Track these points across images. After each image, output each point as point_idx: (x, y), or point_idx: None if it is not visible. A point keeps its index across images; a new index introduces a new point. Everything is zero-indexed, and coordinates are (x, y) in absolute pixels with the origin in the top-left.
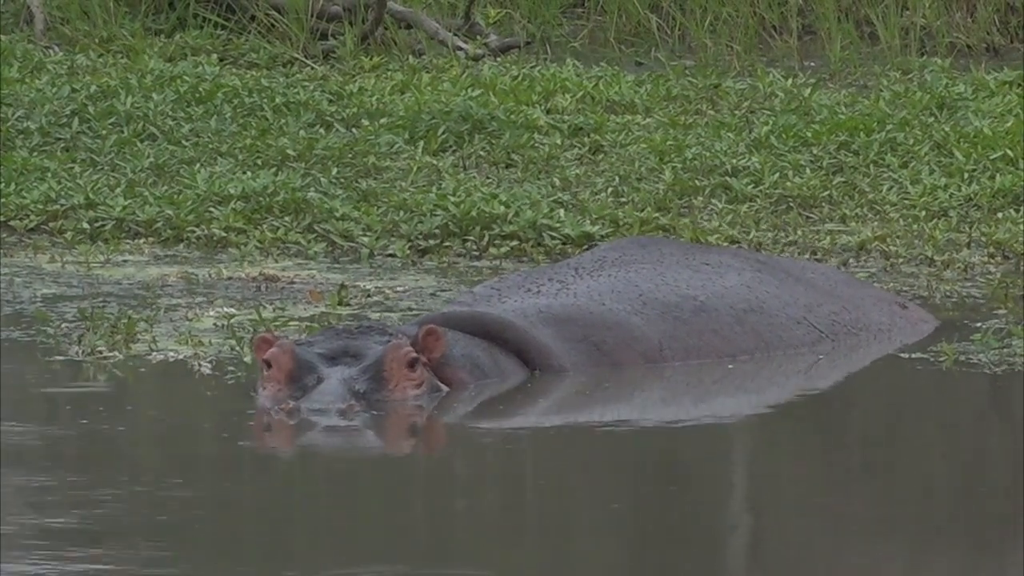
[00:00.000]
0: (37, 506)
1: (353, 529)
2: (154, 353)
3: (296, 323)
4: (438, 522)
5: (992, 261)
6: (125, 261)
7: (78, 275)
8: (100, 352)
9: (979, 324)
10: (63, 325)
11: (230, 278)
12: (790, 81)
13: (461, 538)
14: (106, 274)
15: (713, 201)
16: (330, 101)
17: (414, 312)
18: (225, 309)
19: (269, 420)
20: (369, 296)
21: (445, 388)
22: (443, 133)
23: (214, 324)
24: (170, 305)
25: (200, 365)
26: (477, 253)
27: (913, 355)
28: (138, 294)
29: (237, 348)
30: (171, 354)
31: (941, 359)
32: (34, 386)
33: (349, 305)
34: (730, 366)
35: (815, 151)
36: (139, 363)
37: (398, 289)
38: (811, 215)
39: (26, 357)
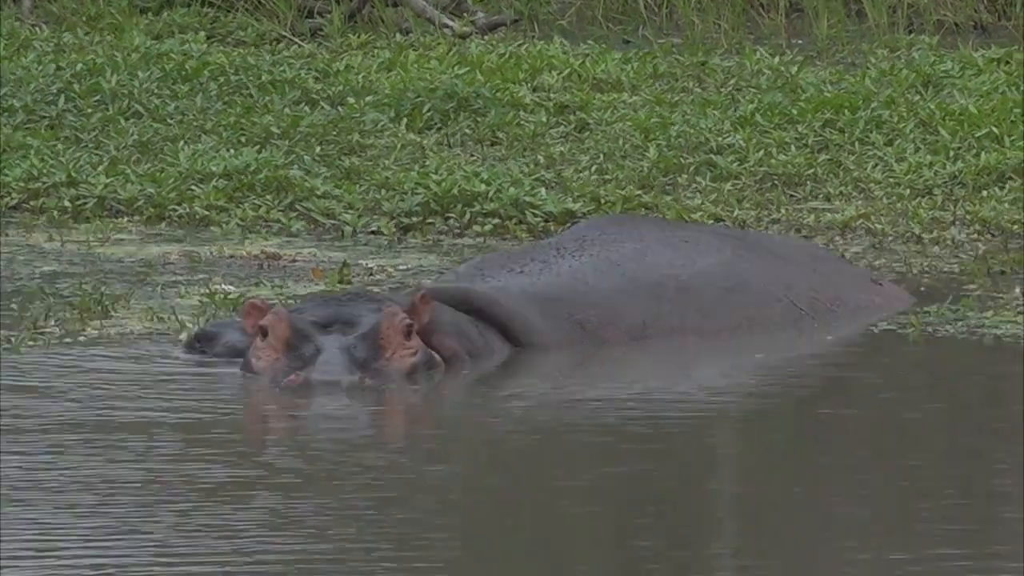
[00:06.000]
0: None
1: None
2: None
3: (293, 301)
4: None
5: (981, 238)
6: (121, 239)
7: (79, 254)
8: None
9: (951, 299)
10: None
11: (231, 256)
12: (777, 59)
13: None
14: (107, 252)
15: (697, 179)
16: (316, 79)
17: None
18: (224, 286)
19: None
20: (371, 274)
21: (438, 357)
22: (428, 111)
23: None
24: (168, 282)
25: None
26: (459, 231)
27: (887, 328)
28: (140, 272)
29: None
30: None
31: (908, 330)
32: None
33: (351, 283)
34: (712, 343)
35: (800, 129)
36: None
37: (400, 267)
38: (795, 193)
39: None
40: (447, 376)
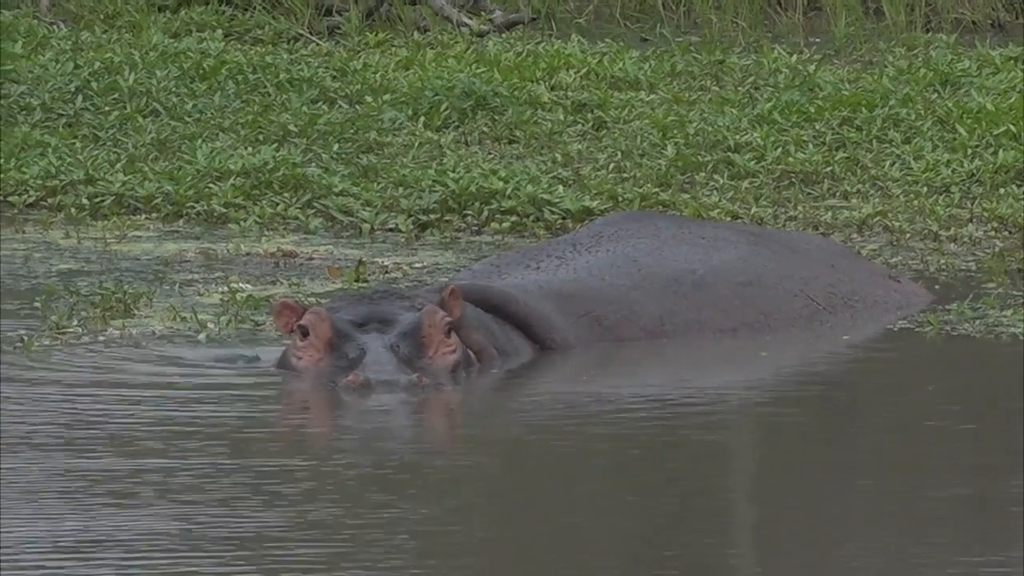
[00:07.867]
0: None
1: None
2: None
3: (313, 299)
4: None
5: (998, 236)
6: (138, 237)
7: (96, 251)
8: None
9: (971, 297)
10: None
11: (248, 254)
12: (795, 57)
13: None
14: (124, 250)
15: (715, 177)
16: (334, 77)
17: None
18: (240, 284)
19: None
20: (387, 272)
21: (472, 354)
22: (446, 109)
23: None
24: (185, 280)
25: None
26: (477, 228)
27: (906, 327)
28: (157, 270)
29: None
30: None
31: (927, 328)
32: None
33: (367, 281)
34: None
35: (818, 127)
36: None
37: (417, 265)
38: (813, 191)
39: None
40: (483, 372)
